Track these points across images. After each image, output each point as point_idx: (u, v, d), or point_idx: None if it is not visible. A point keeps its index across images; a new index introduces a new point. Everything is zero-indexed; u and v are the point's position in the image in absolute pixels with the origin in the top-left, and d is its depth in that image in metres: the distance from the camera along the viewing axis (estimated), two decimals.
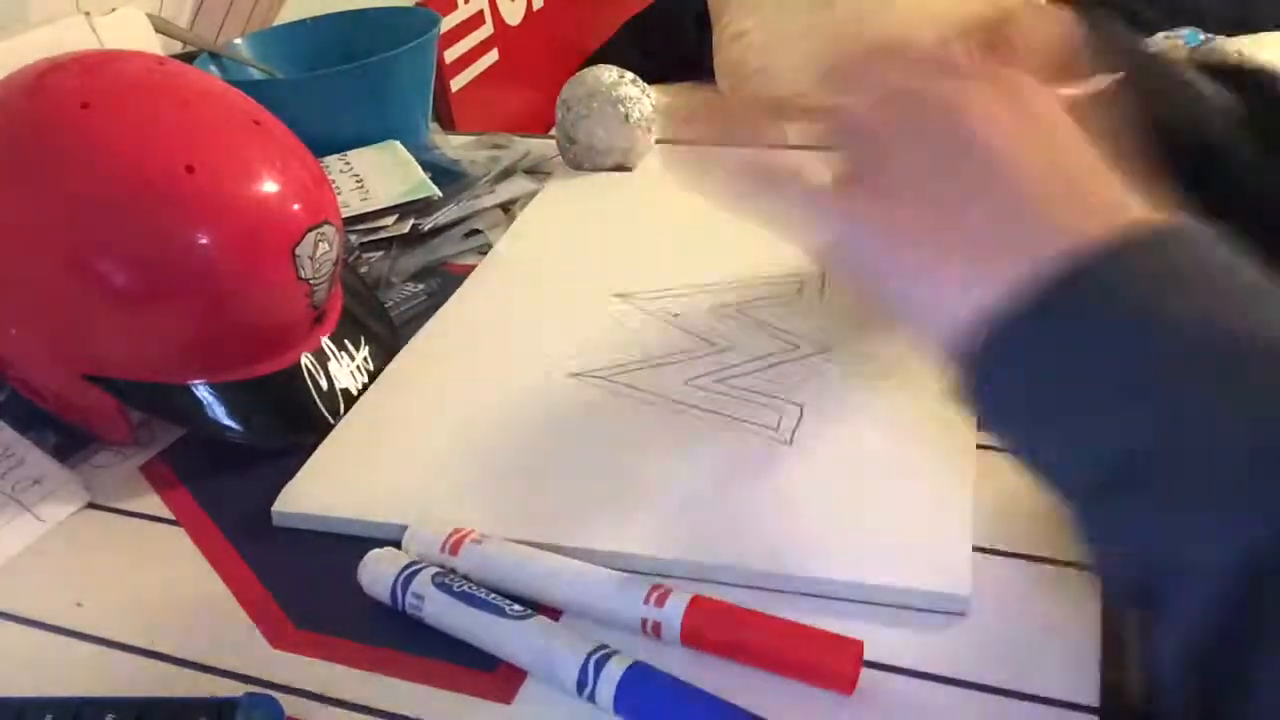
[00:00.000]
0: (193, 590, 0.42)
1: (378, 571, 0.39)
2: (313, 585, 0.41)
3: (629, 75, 0.72)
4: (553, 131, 0.74)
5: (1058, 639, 0.35)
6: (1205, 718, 0.25)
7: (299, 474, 0.46)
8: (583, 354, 0.52)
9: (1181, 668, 0.25)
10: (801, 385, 0.48)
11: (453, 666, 0.37)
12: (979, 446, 0.43)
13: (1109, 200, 0.30)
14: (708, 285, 0.56)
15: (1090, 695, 0.33)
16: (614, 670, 0.34)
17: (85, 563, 0.44)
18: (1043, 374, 0.28)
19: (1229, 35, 1.65)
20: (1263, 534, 0.24)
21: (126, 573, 0.44)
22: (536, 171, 0.74)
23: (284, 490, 0.45)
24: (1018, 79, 0.33)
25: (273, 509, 0.45)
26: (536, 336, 0.54)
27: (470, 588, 0.38)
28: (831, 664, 0.35)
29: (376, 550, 0.40)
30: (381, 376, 0.53)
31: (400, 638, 0.38)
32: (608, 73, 0.72)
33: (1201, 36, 1.66)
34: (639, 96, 0.71)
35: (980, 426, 0.31)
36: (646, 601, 0.37)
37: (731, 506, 0.41)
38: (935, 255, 0.30)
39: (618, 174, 0.71)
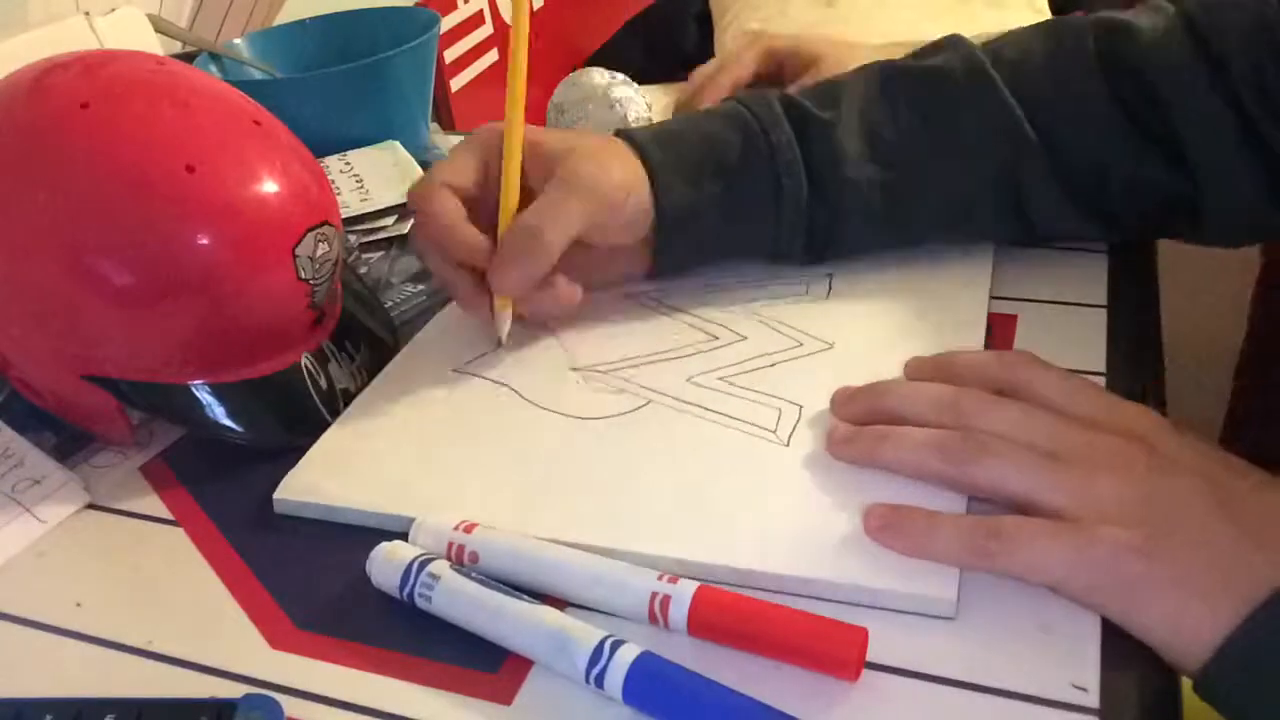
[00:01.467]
0: (193, 590, 0.42)
1: (390, 559, 0.40)
2: (313, 585, 0.41)
3: (620, 76, 0.72)
4: None
5: (1057, 639, 0.35)
6: None
7: (301, 462, 0.46)
8: (586, 350, 0.52)
9: None
10: (802, 384, 0.48)
11: (453, 668, 0.37)
12: None
13: None
14: (712, 283, 0.56)
15: (1090, 695, 0.33)
16: (624, 657, 0.34)
17: (85, 563, 0.44)
18: None
19: None
20: None
21: (126, 573, 0.44)
22: None
23: (286, 478, 0.45)
24: (1150, 419, 0.40)
25: (274, 496, 0.45)
26: (540, 332, 0.54)
27: (482, 577, 0.38)
28: (836, 650, 0.35)
29: (388, 541, 0.40)
30: (387, 368, 0.53)
31: (401, 638, 0.38)
32: (601, 74, 0.72)
33: None
34: (634, 96, 0.71)
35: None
36: (657, 582, 0.37)
37: (726, 507, 0.41)
38: (1172, 578, 0.34)
39: None
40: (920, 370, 0.46)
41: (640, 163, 0.50)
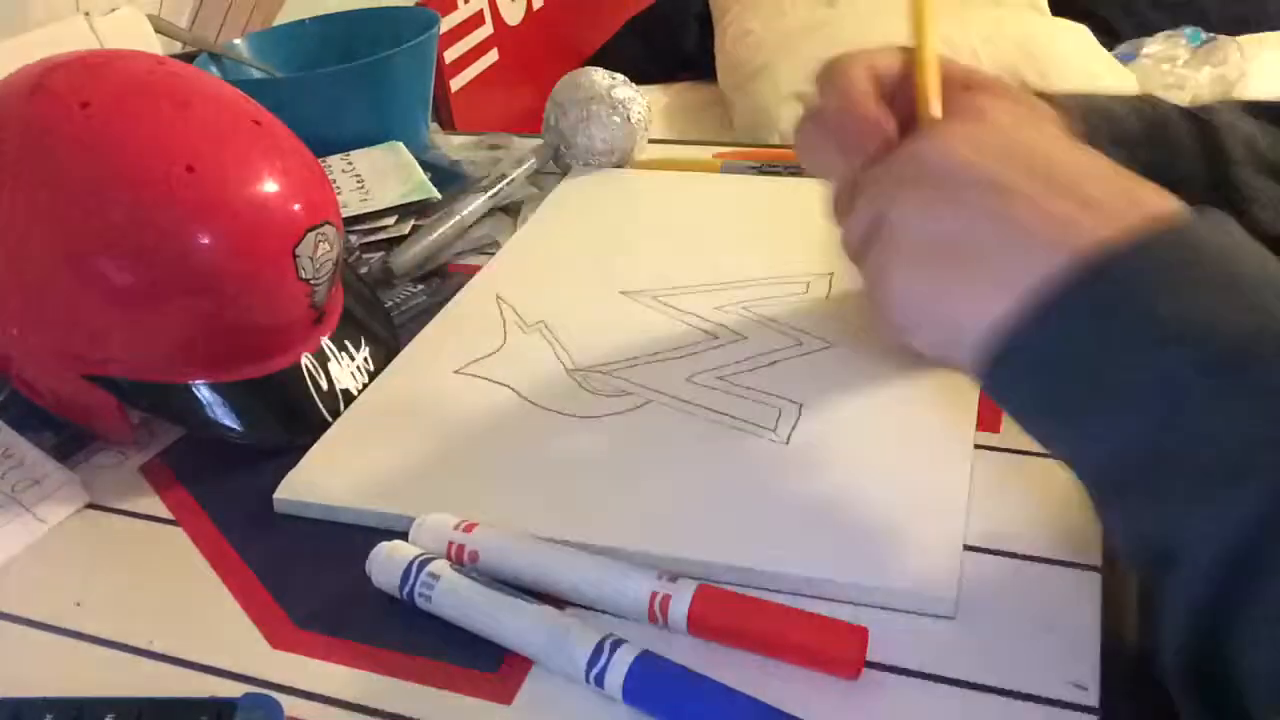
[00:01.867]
0: (193, 590, 0.42)
1: (390, 559, 0.40)
2: (313, 585, 0.41)
3: (620, 77, 0.72)
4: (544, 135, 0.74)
5: (1057, 639, 0.35)
6: (1204, 685, 0.28)
7: (301, 462, 0.46)
8: (587, 349, 0.52)
9: (1184, 634, 0.27)
10: (802, 383, 0.48)
11: (453, 667, 0.37)
12: (977, 447, 0.43)
13: (1125, 203, 0.31)
14: (713, 282, 0.56)
15: (1090, 695, 0.33)
16: (624, 657, 0.34)
17: (85, 563, 0.44)
18: (1056, 379, 0.30)
19: (1231, 34, 1.65)
20: (1250, 515, 0.26)
21: (126, 573, 0.44)
22: (537, 171, 0.74)
23: (287, 477, 0.45)
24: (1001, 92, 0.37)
25: (275, 495, 0.45)
26: (542, 332, 0.54)
27: (483, 576, 0.38)
28: (837, 649, 0.35)
29: (388, 541, 0.40)
30: (388, 368, 0.53)
31: (401, 638, 0.38)
32: (602, 75, 0.72)
33: (1203, 35, 1.66)
34: (635, 97, 0.71)
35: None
36: (657, 581, 0.37)
37: (725, 506, 0.41)
38: (953, 276, 0.32)
39: (623, 172, 0.71)
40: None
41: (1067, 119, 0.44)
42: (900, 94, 0.41)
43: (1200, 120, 0.48)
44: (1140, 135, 0.48)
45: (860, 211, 0.35)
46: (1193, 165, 0.48)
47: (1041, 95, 0.48)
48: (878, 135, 0.39)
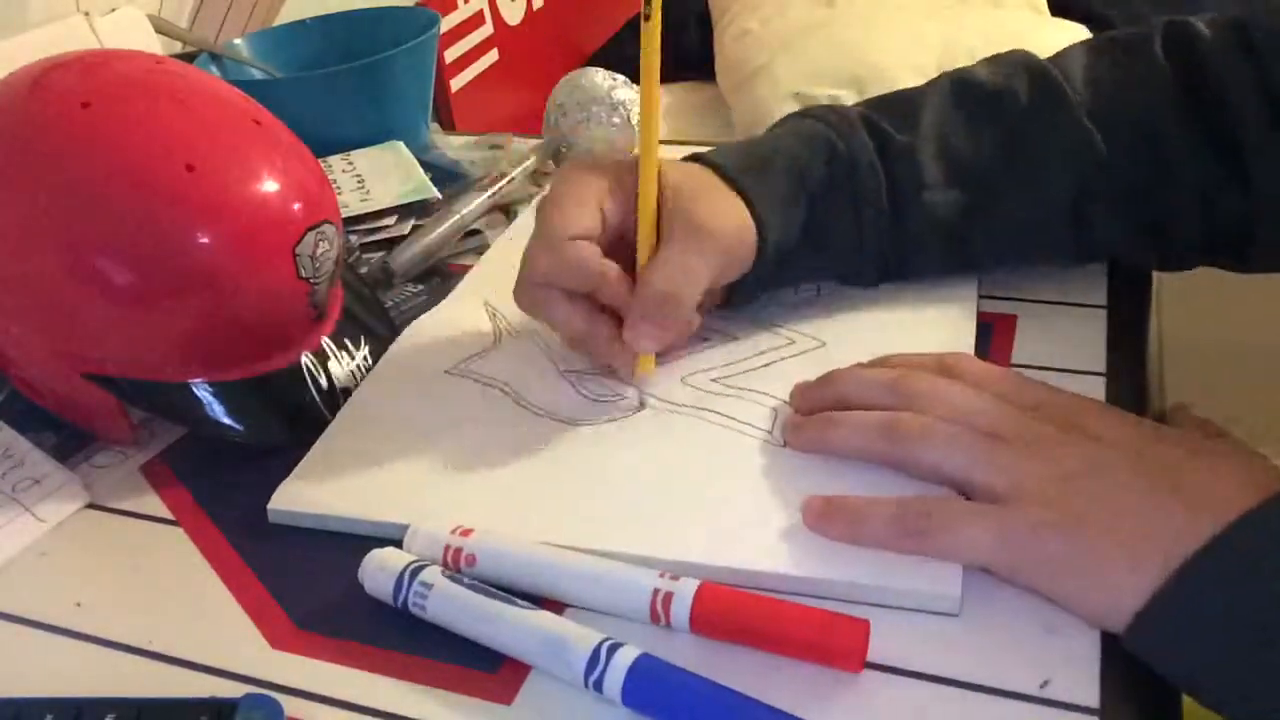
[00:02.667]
0: (193, 590, 0.42)
1: (381, 568, 0.39)
2: (313, 585, 0.41)
3: (621, 78, 0.72)
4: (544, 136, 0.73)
5: (1057, 639, 0.35)
6: None
7: (294, 471, 0.46)
8: (579, 351, 0.52)
9: None
10: (797, 383, 0.48)
11: (453, 667, 0.37)
12: None
13: (1241, 476, 0.36)
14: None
15: (1090, 695, 0.33)
16: (624, 658, 0.34)
17: (85, 563, 0.44)
18: (1218, 643, 0.33)
19: None
20: None
21: (126, 573, 0.44)
22: (536, 172, 0.74)
23: (280, 488, 0.45)
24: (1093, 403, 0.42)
25: (268, 507, 0.45)
26: (532, 334, 0.54)
27: (477, 582, 0.38)
28: (839, 642, 0.35)
29: (379, 549, 0.40)
30: (371, 374, 0.52)
31: (400, 638, 0.38)
32: (603, 76, 0.72)
33: None
34: (635, 98, 0.71)
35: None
36: (659, 580, 0.37)
37: (724, 508, 0.41)
38: (1092, 551, 0.35)
39: None
40: (876, 363, 0.47)
41: (739, 197, 0.49)
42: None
43: (886, 155, 0.51)
44: (824, 184, 0.50)
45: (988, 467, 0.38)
46: (875, 199, 0.51)
47: (695, 160, 0.52)
48: (626, 297, 0.47)
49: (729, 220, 0.48)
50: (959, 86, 0.52)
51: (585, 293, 0.47)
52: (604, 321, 0.48)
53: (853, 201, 0.50)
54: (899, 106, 0.52)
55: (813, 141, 0.51)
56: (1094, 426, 0.39)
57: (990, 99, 0.51)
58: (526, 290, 0.48)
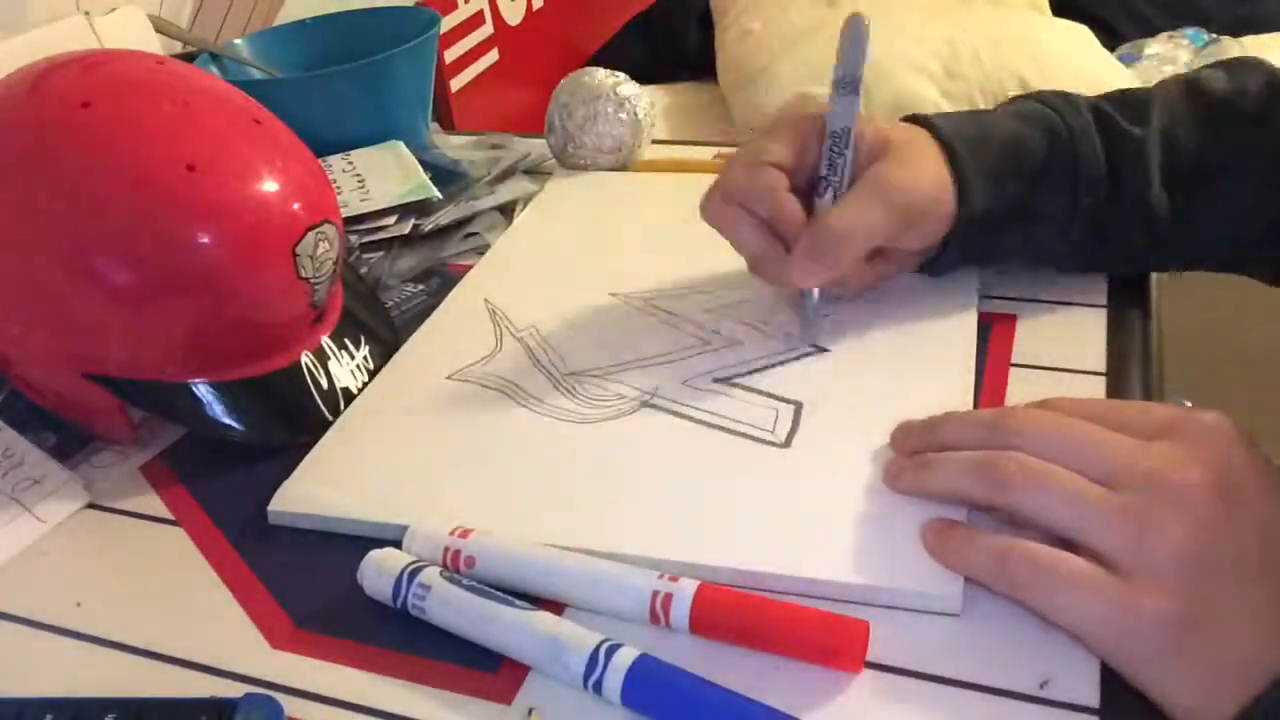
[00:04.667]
0: (193, 590, 0.42)
1: (380, 570, 0.39)
2: (313, 585, 0.41)
3: (622, 75, 0.72)
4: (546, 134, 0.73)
5: (1057, 639, 0.35)
6: None
7: (295, 472, 0.46)
8: (578, 353, 0.52)
9: None
10: (799, 385, 0.48)
11: (453, 667, 0.37)
12: None
13: None
14: (705, 285, 0.56)
15: (1090, 695, 0.33)
16: (623, 660, 0.34)
17: (85, 563, 0.44)
18: None
19: (1234, 36, 1.65)
20: None
21: (126, 573, 0.44)
22: (536, 172, 0.74)
23: (280, 489, 0.45)
24: (1225, 438, 0.36)
25: (269, 508, 0.45)
26: (534, 335, 0.54)
27: (475, 583, 0.38)
28: (838, 642, 0.35)
29: (377, 550, 0.40)
30: (377, 377, 0.53)
31: (400, 638, 0.38)
32: (604, 74, 0.72)
33: (1206, 37, 1.66)
34: (639, 94, 0.71)
35: None
36: (658, 581, 0.37)
37: (726, 509, 0.41)
38: (1205, 655, 0.32)
39: (617, 174, 0.71)
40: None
41: (947, 163, 0.49)
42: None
43: (1114, 138, 0.50)
44: (1043, 164, 0.50)
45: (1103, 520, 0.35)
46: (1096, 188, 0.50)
47: (915, 120, 0.51)
48: (798, 229, 0.48)
49: (924, 182, 0.48)
50: (1192, 88, 0.52)
51: (765, 218, 0.49)
52: (777, 246, 0.49)
53: (1070, 186, 0.50)
54: (1129, 101, 0.52)
55: (1036, 122, 0.50)
56: (1230, 476, 0.35)
57: (1221, 104, 0.50)
58: (714, 203, 0.50)
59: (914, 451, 0.42)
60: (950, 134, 0.49)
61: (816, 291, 0.51)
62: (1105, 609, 0.33)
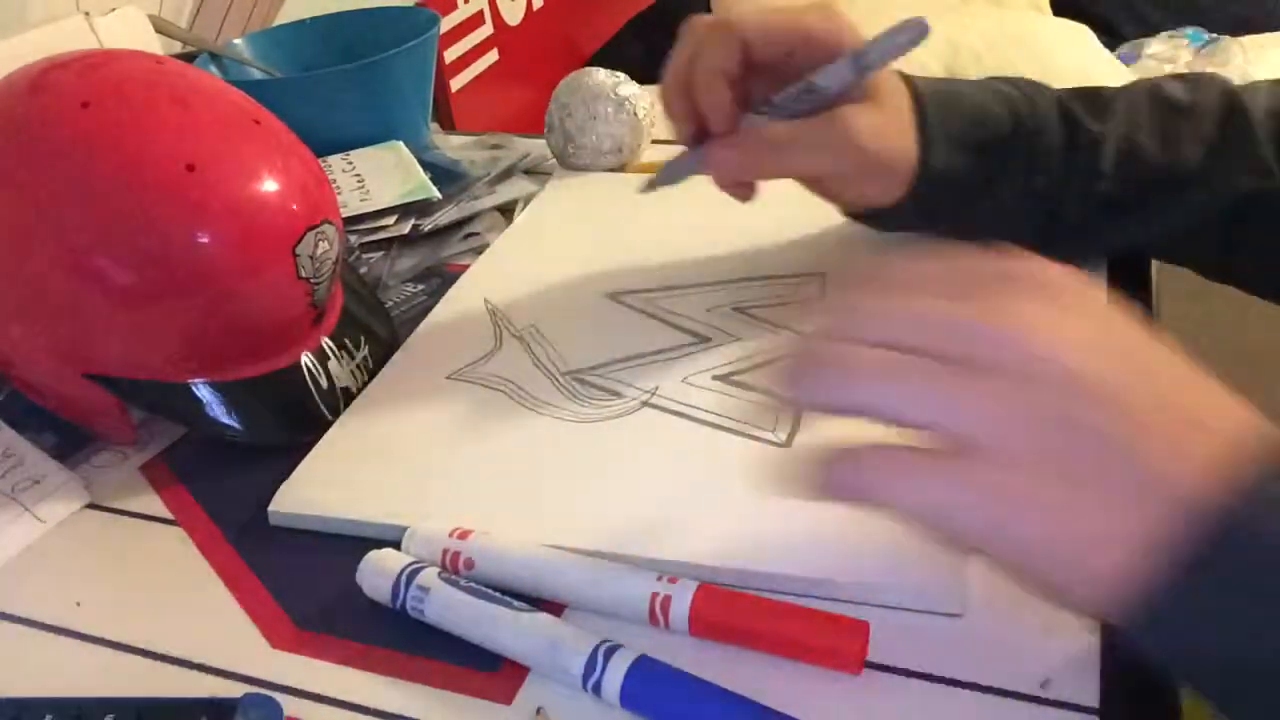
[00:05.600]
0: (193, 590, 0.42)
1: (378, 571, 0.39)
2: (313, 585, 0.41)
3: (622, 75, 0.72)
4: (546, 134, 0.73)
5: (1057, 639, 0.35)
6: None
7: (295, 473, 0.46)
8: (578, 352, 0.52)
9: None
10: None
11: (453, 666, 0.37)
12: None
13: (1223, 416, 0.29)
14: (706, 283, 0.56)
15: (1090, 695, 0.33)
16: (622, 661, 0.34)
17: (85, 563, 0.44)
18: (1214, 635, 0.27)
19: (1234, 35, 1.65)
20: None
21: (126, 573, 0.44)
22: (536, 172, 0.74)
23: (280, 490, 0.45)
24: (1057, 281, 0.31)
25: (269, 509, 0.45)
26: (533, 335, 0.54)
27: (474, 585, 0.38)
28: (838, 644, 0.35)
29: (376, 551, 0.40)
30: (377, 377, 0.53)
31: (400, 638, 0.38)
32: (604, 74, 0.72)
33: (1205, 37, 1.66)
34: (639, 94, 0.71)
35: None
36: (657, 582, 0.37)
37: (727, 509, 0.41)
38: (1059, 513, 0.28)
39: (617, 174, 0.71)
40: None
41: (915, 121, 0.50)
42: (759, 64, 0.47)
43: (1076, 130, 0.51)
44: (1004, 141, 0.51)
45: (957, 394, 0.30)
46: (1055, 177, 0.51)
47: (903, 77, 0.52)
48: (724, 119, 0.47)
49: (888, 138, 0.48)
50: (1155, 94, 0.53)
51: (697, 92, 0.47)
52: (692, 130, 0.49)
53: (1027, 167, 0.51)
54: (1094, 99, 0.53)
55: (1004, 101, 0.52)
56: (1065, 298, 0.31)
57: (1183, 111, 0.52)
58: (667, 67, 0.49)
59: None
60: (925, 90, 0.51)
61: (686, 161, 0.50)
62: (944, 490, 0.29)
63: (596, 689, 0.34)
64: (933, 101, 0.50)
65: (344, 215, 0.61)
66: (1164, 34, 1.68)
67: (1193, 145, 0.51)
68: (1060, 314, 0.30)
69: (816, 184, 0.52)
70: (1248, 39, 1.64)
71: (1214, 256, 0.54)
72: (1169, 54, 1.64)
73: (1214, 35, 1.66)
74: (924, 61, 1.35)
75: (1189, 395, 0.30)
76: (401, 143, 0.76)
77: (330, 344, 0.52)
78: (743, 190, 0.51)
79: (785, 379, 0.33)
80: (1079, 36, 1.53)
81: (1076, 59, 1.48)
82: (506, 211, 0.70)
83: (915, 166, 0.50)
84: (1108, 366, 0.29)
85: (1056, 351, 0.29)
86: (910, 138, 0.50)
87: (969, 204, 0.52)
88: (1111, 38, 1.66)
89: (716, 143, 0.48)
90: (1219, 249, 0.53)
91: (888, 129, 0.49)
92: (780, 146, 0.47)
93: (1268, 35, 1.66)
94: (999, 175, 0.51)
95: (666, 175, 0.52)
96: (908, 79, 0.52)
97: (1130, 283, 0.54)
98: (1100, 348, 0.30)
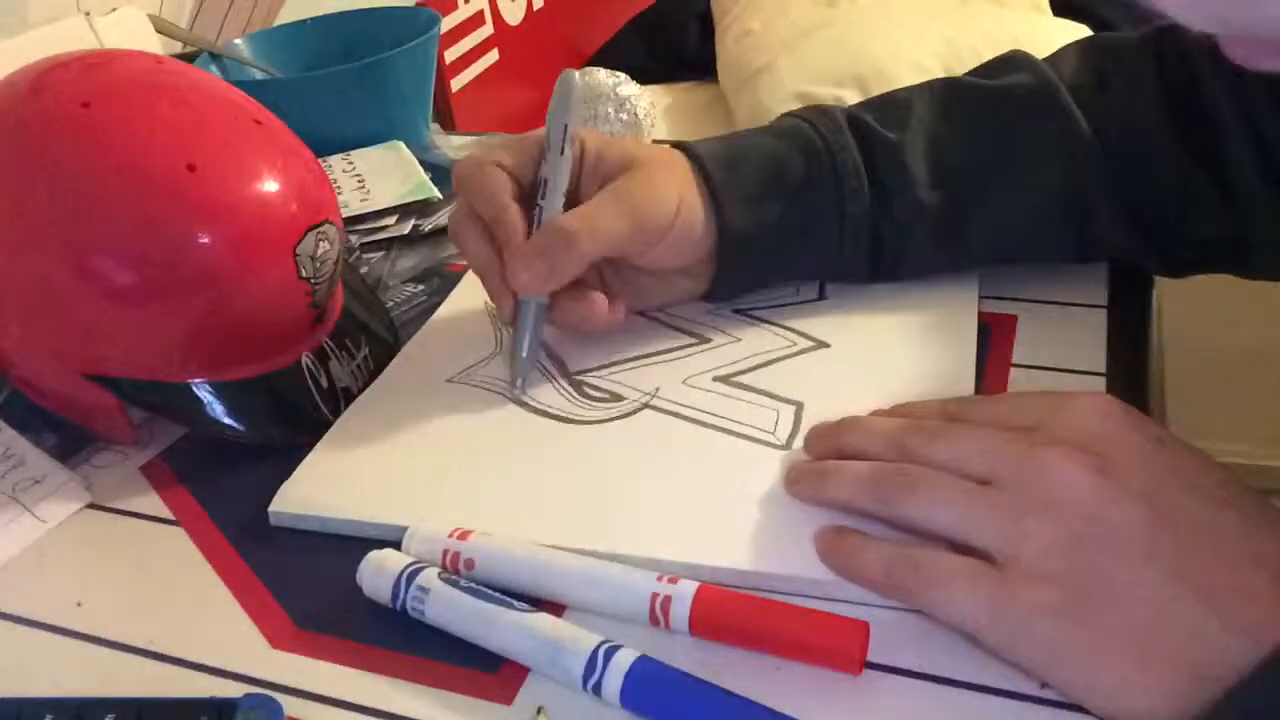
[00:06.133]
0: (193, 590, 0.42)
1: (379, 571, 0.39)
2: (313, 585, 0.41)
3: (622, 75, 0.72)
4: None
5: None
6: None
7: (295, 473, 0.46)
8: (578, 352, 0.52)
9: None
10: (799, 384, 0.48)
11: (453, 667, 0.37)
12: None
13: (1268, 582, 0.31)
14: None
15: None
16: (622, 661, 0.34)
17: (85, 563, 0.44)
18: None
19: None
20: None
21: (126, 573, 0.44)
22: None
23: (280, 490, 0.45)
24: (1099, 415, 0.36)
25: (269, 509, 0.45)
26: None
27: (474, 585, 0.38)
28: (839, 644, 0.35)
29: (376, 551, 0.40)
30: (378, 378, 0.52)
31: (400, 638, 0.38)
32: (606, 74, 0.72)
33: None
34: (640, 93, 0.72)
35: None
36: (658, 583, 0.37)
37: (726, 510, 0.41)
38: (1095, 642, 0.32)
39: None
40: (887, 412, 0.44)
41: (701, 182, 0.49)
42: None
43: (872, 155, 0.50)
44: (802, 181, 0.50)
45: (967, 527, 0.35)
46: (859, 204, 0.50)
47: (677, 146, 0.51)
48: (517, 236, 0.47)
49: (666, 195, 0.48)
50: (951, 87, 0.52)
51: (488, 220, 0.48)
52: (498, 257, 0.48)
53: (834, 200, 0.50)
54: (888, 106, 0.52)
55: (794, 137, 0.51)
56: (1115, 455, 0.34)
57: (984, 99, 0.51)
58: (452, 216, 0.50)
59: (819, 456, 0.42)
60: (703, 154, 0.50)
61: (528, 334, 0.49)
62: (984, 603, 0.33)
63: (596, 689, 0.34)
64: (714, 164, 0.49)
65: (344, 215, 0.61)
66: None
67: (1006, 132, 0.50)
68: (1113, 460, 0.34)
69: (632, 274, 0.51)
70: None
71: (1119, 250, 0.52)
72: None
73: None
74: (923, 61, 1.35)
75: (1241, 546, 0.32)
76: (402, 143, 0.77)
77: (330, 344, 0.52)
78: (581, 321, 0.50)
79: (862, 486, 0.38)
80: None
81: None
82: None
83: (710, 227, 0.49)
84: (1148, 511, 0.33)
85: (1094, 487, 0.33)
86: (692, 199, 0.48)
87: (790, 252, 0.51)
88: None
89: (520, 257, 0.47)
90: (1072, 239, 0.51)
91: (658, 192, 0.48)
92: (575, 233, 0.46)
93: None
94: (809, 216, 0.50)
95: (522, 366, 0.49)
96: (683, 145, 0.51)
97: (1130, 283, 0.54)
98: (1142, 490, 0.33)
